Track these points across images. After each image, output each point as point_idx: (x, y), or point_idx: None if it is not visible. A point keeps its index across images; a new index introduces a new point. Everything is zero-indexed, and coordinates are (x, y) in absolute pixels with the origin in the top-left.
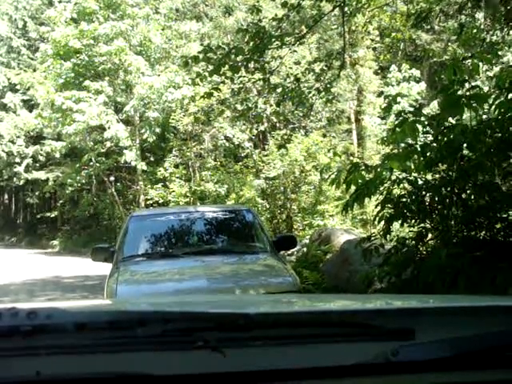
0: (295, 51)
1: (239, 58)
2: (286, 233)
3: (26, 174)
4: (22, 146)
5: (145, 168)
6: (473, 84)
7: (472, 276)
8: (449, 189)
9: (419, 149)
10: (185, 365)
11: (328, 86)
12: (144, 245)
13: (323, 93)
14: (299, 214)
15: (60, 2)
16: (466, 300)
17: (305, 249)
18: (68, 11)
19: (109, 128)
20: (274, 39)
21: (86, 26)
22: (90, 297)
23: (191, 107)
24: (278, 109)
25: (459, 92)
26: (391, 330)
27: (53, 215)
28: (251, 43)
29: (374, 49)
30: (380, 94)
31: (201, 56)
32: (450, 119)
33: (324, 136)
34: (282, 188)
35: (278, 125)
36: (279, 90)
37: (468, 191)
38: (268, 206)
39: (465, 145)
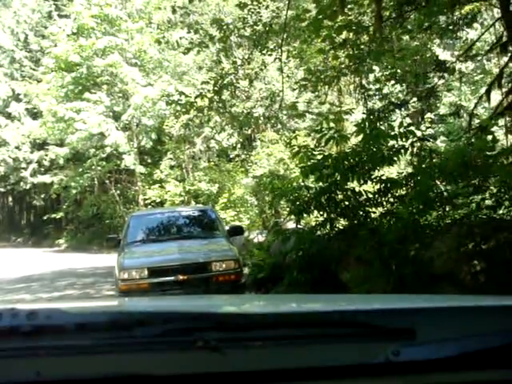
0: (247, 91)
1: (205, 101)
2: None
3: (31, 178)
4: (28, 152)
5: (143, 170)
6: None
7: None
8: (328, 194)
9: (309, 169)
10: (185, 365)
11: (275, 115)
12: (140, 234)
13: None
14: (287, 209)
15: (60, 16)
16: (466, 300)
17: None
18: (69, 27)
19: (109, 135)
20: (229, 86)
21: (85, 41)
22: (101, 280)
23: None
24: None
25: (330, 133)
26: (391, 330)
27: (58, 216)
28: (214, 88)
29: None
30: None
31: (176, 98)
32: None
33: (309, 135)
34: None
35: (263, 127)
36: (241, 118)
37: (336, 196)
38: (257, 203)
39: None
